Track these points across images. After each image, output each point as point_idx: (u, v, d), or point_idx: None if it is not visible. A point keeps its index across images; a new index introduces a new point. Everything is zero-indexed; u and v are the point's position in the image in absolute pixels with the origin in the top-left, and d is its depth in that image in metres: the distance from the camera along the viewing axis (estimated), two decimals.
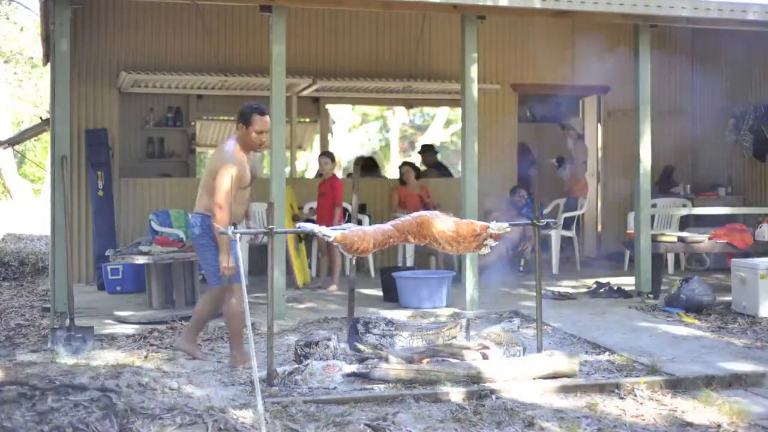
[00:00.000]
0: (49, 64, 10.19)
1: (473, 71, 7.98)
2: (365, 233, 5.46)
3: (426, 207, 9.51)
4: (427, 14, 10.50)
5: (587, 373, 5.64)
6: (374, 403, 4.96)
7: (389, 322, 5.94)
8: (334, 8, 9.71)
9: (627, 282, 9.00)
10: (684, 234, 9.02)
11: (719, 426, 4.72)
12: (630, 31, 8.70)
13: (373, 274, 10.01)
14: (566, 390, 5.30)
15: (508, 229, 5.72)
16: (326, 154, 9.53)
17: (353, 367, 5.41)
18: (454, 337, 5.89)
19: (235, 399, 5.00)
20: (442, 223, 5.60)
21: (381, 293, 8.57)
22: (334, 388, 5.19)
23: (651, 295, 8.42)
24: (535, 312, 5.96)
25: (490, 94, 11.06)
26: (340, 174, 13.23)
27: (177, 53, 10.35)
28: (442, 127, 22.16)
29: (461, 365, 5.41)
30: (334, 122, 15.62)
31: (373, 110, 21.84)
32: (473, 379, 5.31)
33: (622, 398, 5.20)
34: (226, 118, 14.35)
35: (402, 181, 10.40)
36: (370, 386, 5.22)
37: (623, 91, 10.68)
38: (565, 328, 7.04)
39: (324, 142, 12.67)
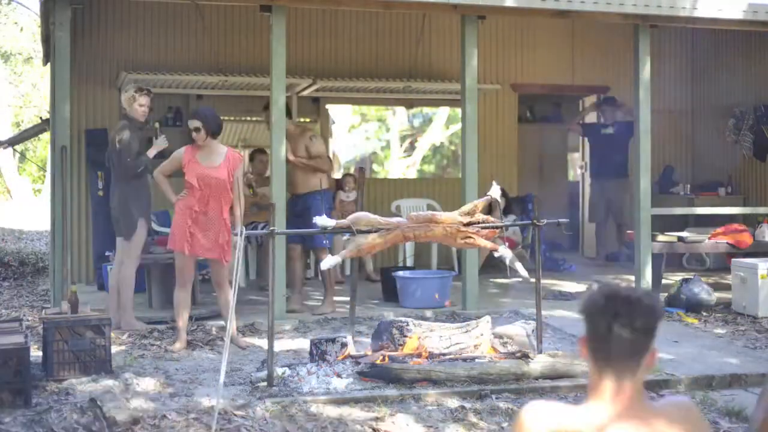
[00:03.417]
0: (49, 64, 10.20)
1: (473, 71, 7.97)
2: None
3: None
4: (427, 14, 10.50)
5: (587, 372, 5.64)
6: (374, 403, 4.96)
7: (416, 324, 5.85)
8: (334, 8, 9.70)
9: (627, 282, 8.98)
10: (684, 234, 9.01)
11: (719, 426, 4.72)
12: (630, 30, 8.70)
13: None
14: (566, 390, 5.30)
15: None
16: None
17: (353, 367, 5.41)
18: (482, 334, 5.86)
19: (235, 399, 5.00)
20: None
21: (380, 293, 8.57)
22: (335, 388, 5.19)
23: None
24: (534, 312, 5.95)
25: (490, 94, 11.05)
26: (339, 173, 13.23)
27: (177, 53, 10.34)
28: (442, 127, 22.15)
29: (462, 365, 5.41)
30: (333, 122, 15.60)
31: (373, 110, 21.83)
32: (474, 379, 5.30)
33: None
34: (226, 117, 14.33)
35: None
36: (370, 386, 5.22)
37: (623, 91, 10.68)
38: (565, 328, 7.03)
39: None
